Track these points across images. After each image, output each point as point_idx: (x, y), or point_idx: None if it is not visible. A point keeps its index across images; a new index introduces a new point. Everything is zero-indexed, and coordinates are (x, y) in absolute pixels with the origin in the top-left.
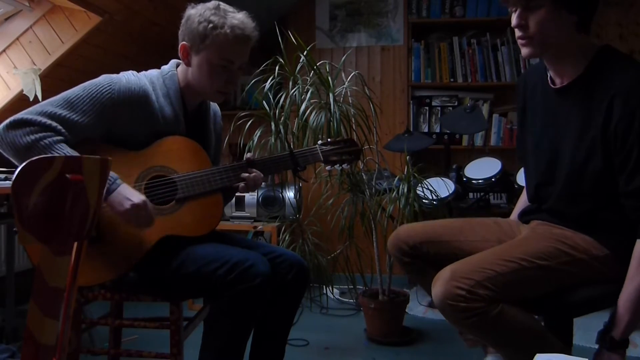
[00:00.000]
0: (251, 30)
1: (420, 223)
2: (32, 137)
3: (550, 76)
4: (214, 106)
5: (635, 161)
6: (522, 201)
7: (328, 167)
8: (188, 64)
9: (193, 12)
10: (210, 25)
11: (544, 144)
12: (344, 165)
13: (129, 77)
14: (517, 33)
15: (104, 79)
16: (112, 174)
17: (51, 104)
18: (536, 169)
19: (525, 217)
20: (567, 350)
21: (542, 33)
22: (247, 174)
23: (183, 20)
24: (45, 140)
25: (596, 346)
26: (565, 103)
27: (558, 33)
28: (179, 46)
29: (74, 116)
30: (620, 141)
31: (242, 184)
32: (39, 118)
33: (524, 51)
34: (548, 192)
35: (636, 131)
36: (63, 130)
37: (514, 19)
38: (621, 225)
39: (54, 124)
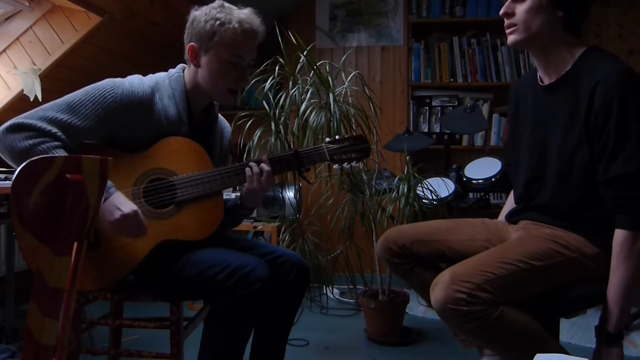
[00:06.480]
0: (258, 25)
1: (409, 225)
2: (30, 141)
3: (540, 76)
4: (224, 122)
5: (612, 150)
6: (510, 203)
7: (336, 166)
8: (197, 65)
9: (198, 13)
10: (218, 22)
11: (535, 140)
12: (353, 164)
13: (132, 81)
14: (505, 22)
15: (107, 83)
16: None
17: (53, 108)
18: (526, 164)
19: (513, 217)
20: (563, 350)
21: (526, 21)
22: (249, 168)
23: (188, 23)
24: (42, 146)
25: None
26: (553, 99)
27: (541, 23)
28: (187, 49)
29: (75, 120)
30: (599, 129)
31: (245, 185)
32: (39, 123)
33: (510, 39)
34: (538, 187)
35: (614, 120)
36: (62, 136)
37: (502, 9)
38: (610, 223)
39: (54, 129)
